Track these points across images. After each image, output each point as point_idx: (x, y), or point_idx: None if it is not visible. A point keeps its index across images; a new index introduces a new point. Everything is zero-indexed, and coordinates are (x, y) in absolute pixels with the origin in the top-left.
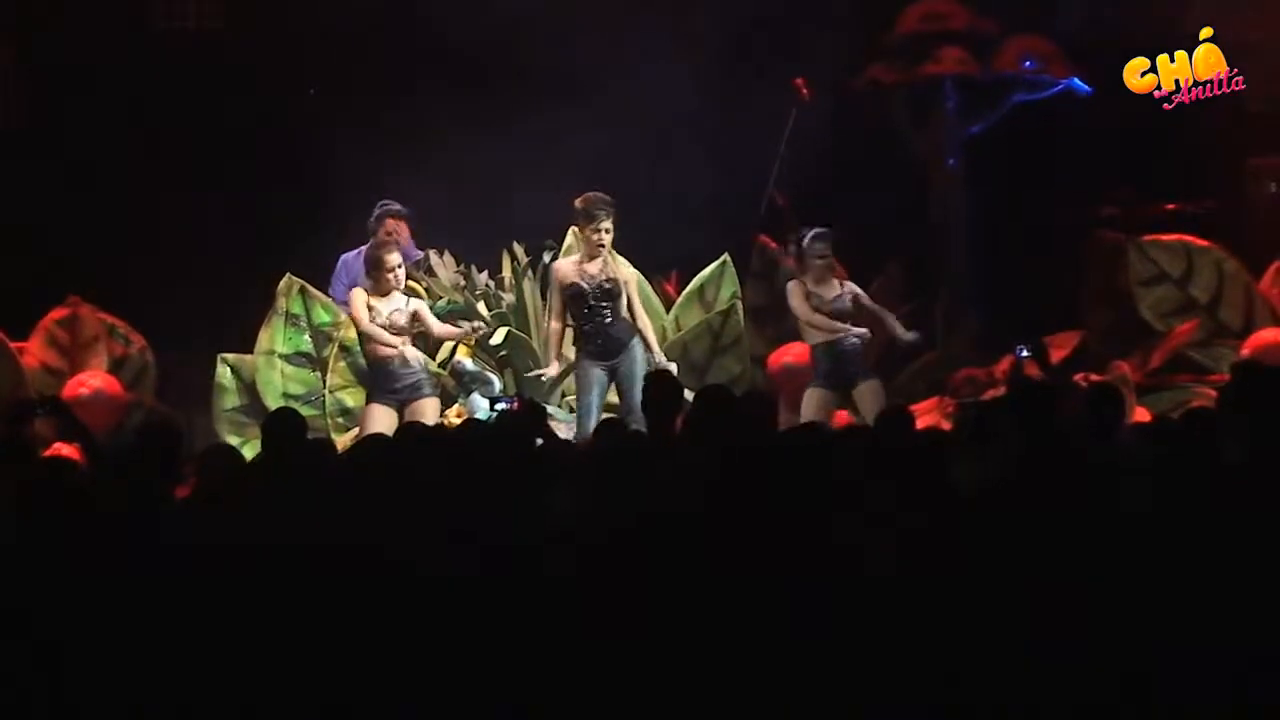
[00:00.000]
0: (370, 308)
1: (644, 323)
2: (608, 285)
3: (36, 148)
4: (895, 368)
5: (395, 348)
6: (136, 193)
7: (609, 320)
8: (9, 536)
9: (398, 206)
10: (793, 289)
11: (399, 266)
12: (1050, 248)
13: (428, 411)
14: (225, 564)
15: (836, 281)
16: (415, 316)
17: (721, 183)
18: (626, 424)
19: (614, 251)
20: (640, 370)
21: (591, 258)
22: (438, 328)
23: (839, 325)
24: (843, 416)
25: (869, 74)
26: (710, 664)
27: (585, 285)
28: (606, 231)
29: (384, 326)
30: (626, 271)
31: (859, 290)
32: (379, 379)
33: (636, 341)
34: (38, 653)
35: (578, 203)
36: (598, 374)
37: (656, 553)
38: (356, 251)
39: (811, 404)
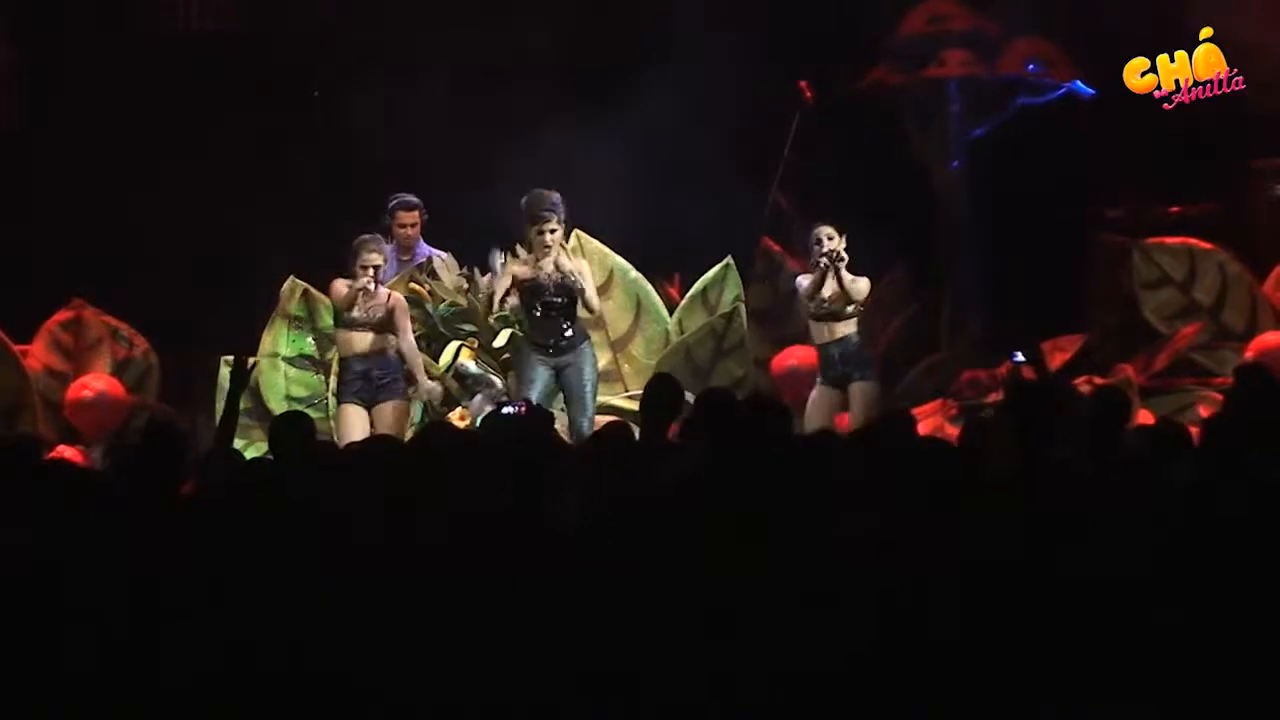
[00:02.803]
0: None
1: (588, 298)
2: (568, 281)
3: (39, 149)
4: (899, 370)
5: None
6: (139, 195)
7: (565, 320)
8: (18, 539)
9: (409, 198)
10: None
11: (374, 268)
12: (1054, 250)
13: (387, 415)
14: (232, 564)
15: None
16: (392, 317)
17: (725, 185)
18: (578, 425)
19: (564, 247)
20: (590, 375)
21: (540, 258)
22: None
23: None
24: (844, 420)
25: (873, 76)
26: (707, 662)
27: (543, 280)
28: (551, 232)
29: (361, 321)
30: (581, 264)
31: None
32: (343, 377)
33: (587, 345)
34: (43, 653)
35: (522, 202)
36: (541, 371)
37: (655, 551)
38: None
39: (813, 403)
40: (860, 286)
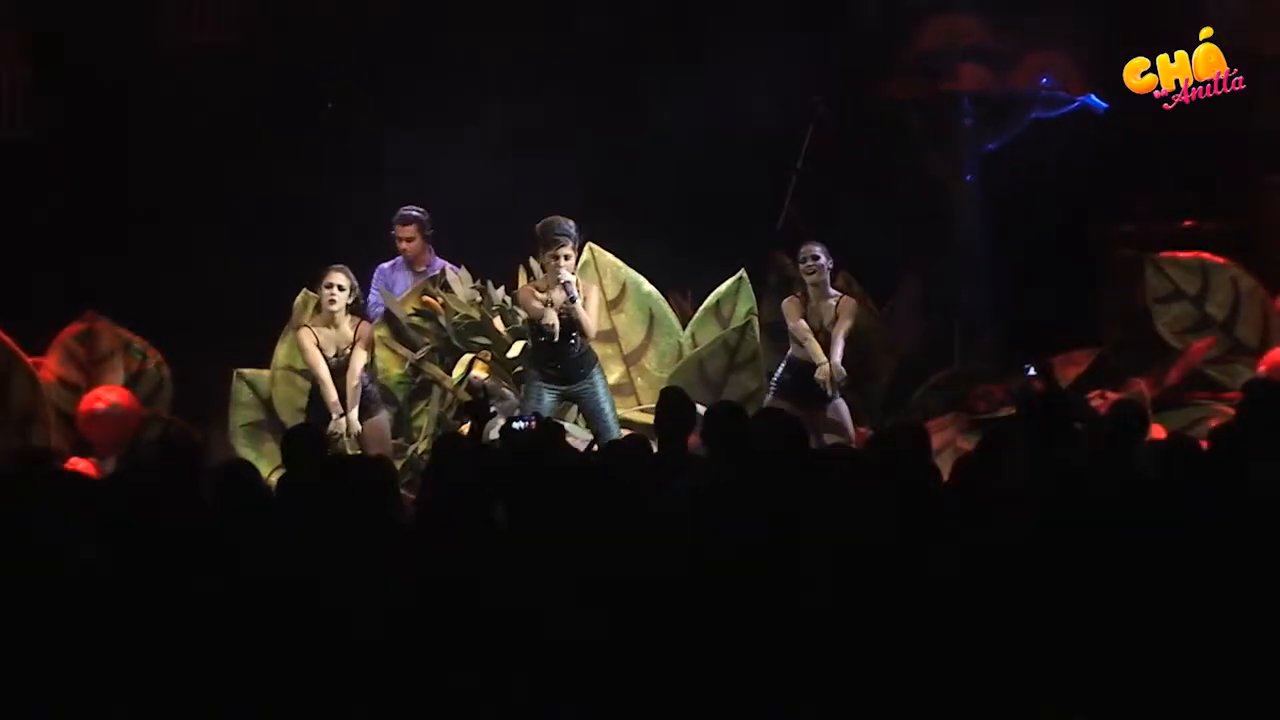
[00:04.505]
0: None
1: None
2: (568, 301)
3: (52, 160)
4: (912, 383)
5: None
6: (153, 207)
7: (574, 349)
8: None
9: (407, 212)
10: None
11: (336, 287)
12: (1067, 264)
13: (381, 431)
14: (248, 576)
15: (830, 301)
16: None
17: (738, 198)
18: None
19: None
20: (606, 403)
21: (553, 284)
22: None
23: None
24: (860, 434)
25: (887, 90)
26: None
27: (554, 310)
28: (566, 259)
29: (333, 367)
30: (590, 289)
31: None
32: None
33: (597, 371)
34: (53, 662)
35: (537, 227)
36: (548, 400)
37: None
38: (391, 263)
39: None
40: (847, 308)
